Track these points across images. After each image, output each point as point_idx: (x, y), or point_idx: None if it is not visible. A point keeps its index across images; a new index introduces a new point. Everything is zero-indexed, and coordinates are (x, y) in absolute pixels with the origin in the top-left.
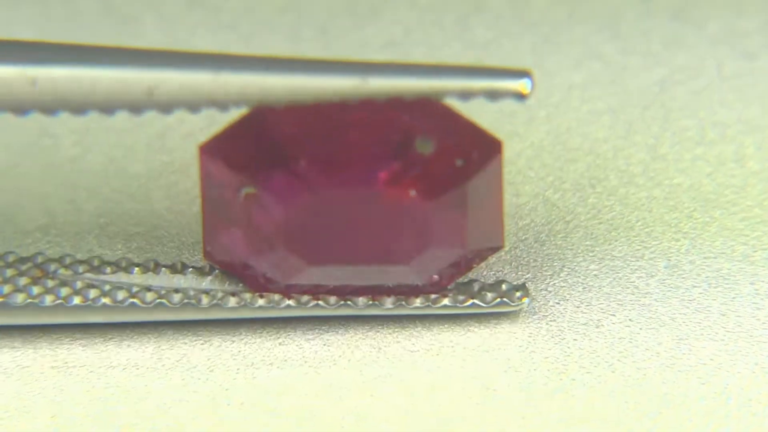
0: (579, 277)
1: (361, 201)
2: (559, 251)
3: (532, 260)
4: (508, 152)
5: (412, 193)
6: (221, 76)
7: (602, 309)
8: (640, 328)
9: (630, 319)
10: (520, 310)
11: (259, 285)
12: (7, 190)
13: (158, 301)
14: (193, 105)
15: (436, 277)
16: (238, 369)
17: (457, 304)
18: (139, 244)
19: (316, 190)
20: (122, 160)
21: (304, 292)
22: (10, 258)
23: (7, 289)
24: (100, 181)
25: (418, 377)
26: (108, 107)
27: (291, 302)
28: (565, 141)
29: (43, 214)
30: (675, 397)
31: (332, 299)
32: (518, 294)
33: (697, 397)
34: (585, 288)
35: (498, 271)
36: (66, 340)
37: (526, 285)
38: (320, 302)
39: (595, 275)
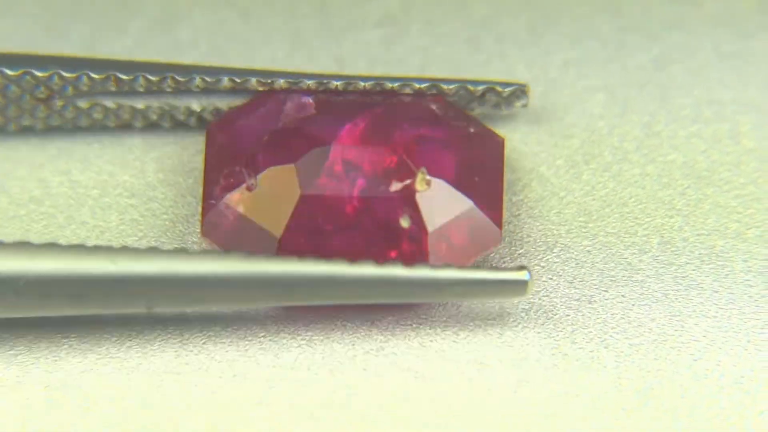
0: (572, 252)
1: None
2: (553, 227)
3: (525, 236)
4: (503, 128)
5: (404, 223)
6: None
7: (595, 285)
8: (633, 304)
9: (623, 295)
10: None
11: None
12: (2, 161)
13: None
14: None
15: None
16: (230, 341)
17: (459, 292)
18: (132, 216)
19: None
20: (118, 132)
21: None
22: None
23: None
24: (94, 153)
25: (410, 351)
26: None
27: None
28: (560, 117)
29: (36, 184)
30: (667, 373)
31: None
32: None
33: (689, 373)
34: (578, 264)
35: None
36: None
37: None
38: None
39: (588, 251)
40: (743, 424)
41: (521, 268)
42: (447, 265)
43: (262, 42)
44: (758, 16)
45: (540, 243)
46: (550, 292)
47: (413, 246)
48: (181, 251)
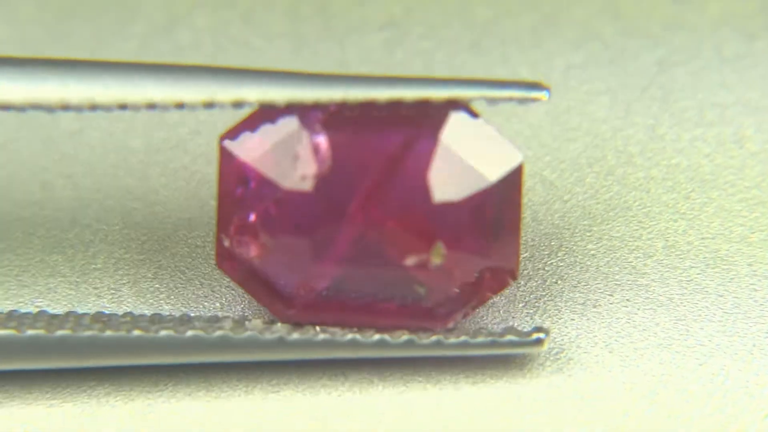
0: (576, 256)
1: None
2: (557, 231)
3: (529, 240)
4: (507, 132)
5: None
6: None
7: (599, 289)
8: (638, 309)
9: (627, 299)
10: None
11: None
12: (5, 164)
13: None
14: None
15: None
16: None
17: (470, 341)
18: (136, 219)
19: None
20: (121, 136)
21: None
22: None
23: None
24: (98, 156)
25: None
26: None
27: (325, 335)
28: (563, 121)
29: (40, 187)
30: (672, 378)
31: (346, 335)
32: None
33: (694, 378)
34: (582, 268)
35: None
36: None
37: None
38: (329, 335)
39: (592, 255)
40: (749, 428)
41: (539, 330)
42: (461, 338)
43: (265, 44)
44: (761, 18)
45: (544, 247)
46: (555, 297)
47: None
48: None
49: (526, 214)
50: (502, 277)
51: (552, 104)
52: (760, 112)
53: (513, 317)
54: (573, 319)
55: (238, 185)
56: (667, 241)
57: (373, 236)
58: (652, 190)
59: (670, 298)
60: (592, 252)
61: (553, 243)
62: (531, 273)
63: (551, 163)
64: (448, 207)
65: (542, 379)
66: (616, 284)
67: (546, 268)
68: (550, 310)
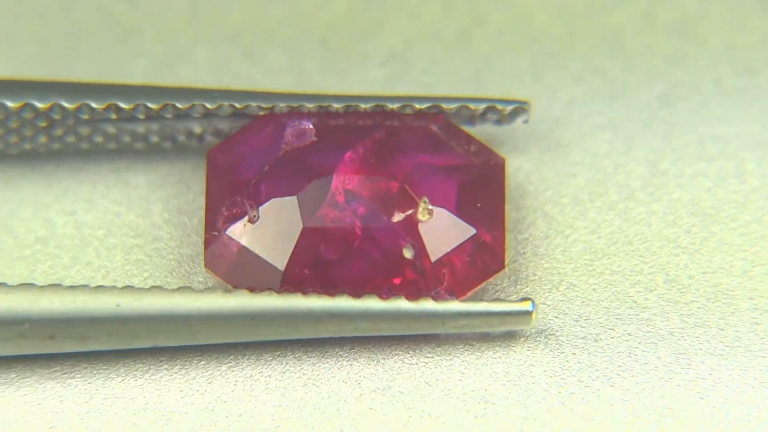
0: (578, 291)
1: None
2: (558, 265)
3: (531, 274)
4: (508, 167)
5: (409, 255)
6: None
7: (601, 323)
8: (639, 343)
9: (629, 334)
10: (529, 327)
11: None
12: (7, 201)
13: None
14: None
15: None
16: (236, 381)
17: (465, 324)
18: (138, 257)
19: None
20: (123, 171)
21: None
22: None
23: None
24: (100, 192)
25: (416, 390)
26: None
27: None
28: (565, 155)
29: (42, 225)
30: (674, 412)
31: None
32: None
33: (696, 412)
34: (584, 302)
35: (497, 285)
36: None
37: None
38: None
39: (594, 289)
40: None
41: (525, 299)
42: (451, 298)
43: (266, 80)
44: (761, 52)
45: (545, 281)
46: (556, 331)
47: (416, 275)
48: (185, 289)
49: (527, 249)
50: (488, 261)
51: (554, 139)
52: (761, 146)
53: (514, 351)
54: (575, 353)
55: (223, 183)
56: (668, 275)
57: (359, 194)
58: (654, 225)
59: (671, 332)
60: (594, 286)
61: (554, 277)
62: (531, 300)
63: (552, 197)
64: (432, 169)
65: (544, 412)
66: (617, 318)
67: (547, 303)
68: (551, 344)
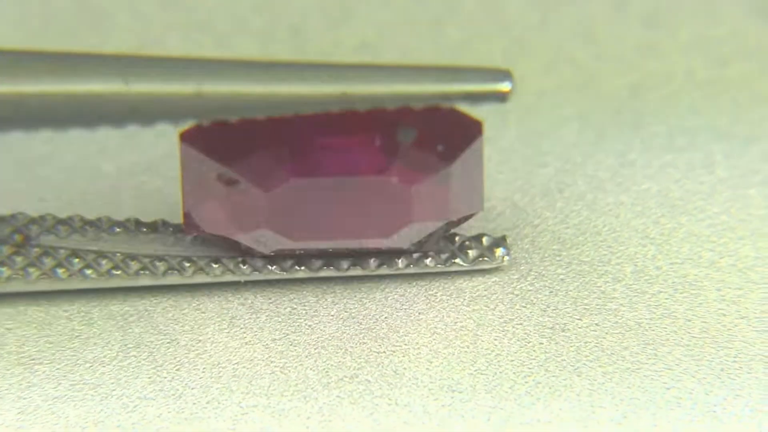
0: (546, 281)
1: (342, 187)
2: (526, 255)
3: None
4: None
5: (394, 180)
6: (204, 87)
7: (568, 313)
8: (606, 333)
9: (596, 324)
10: (501, 265)
11: (242, 251)
12: None
13: (141, 271)
14: (176, 117)
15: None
16: (204, 368)
17: (439, 264)
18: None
19: (298, 179)
20: (93, 159)
21: (288, 256)
22: None
23: None
24: (70, 180)
25: (383, 378)
26: (90, 120)
27: (274, 268)
28: (534, 145)
29: (12, 212)
30: (640, 402)
31: (317, 263)
32: (499, 250)
33: (662, 402)
34: (552, 292)
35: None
36: (32, 336)
37: (506, 239)
38: (303, 267)
39: (562, 279)
40: None
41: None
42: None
43: None
44: (732, 44)
45: (513, 271)
46: (524, 320)
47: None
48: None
49: None
50: (467, 199)
51: (523, 129)
52: (729, 138)
53: (482, 340)
54: (542, 343)
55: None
56: (636, 265)
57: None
58: (622, 216)
59: (638, 322)
60: (562, 276)
61: (522, 267)
62: (500, 297)
63: (522, 187)
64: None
65: (510, 402)
66: (585, 308)
67: (515, 293)
68: (518, 333)
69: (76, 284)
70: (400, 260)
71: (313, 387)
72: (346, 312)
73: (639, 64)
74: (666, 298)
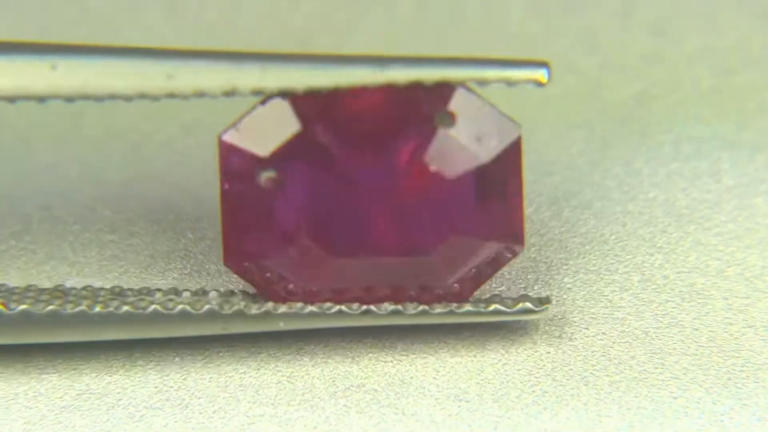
0: (553, 290)
1: (383, 180)
2: (533, 264)
3: (505, 273)
4: None
5: (433, 168)
6: (242, 64)
7: (575, 322)
8: (613, 342)
9: (603, 333)
10: (543, 316)
11: (279, 295)
12: None
13: (183, 307)
14: (212, 91)
15: (456, 286)
16: (210, 378)
17: (480, 310)
18: (113, 252)
19: (339, 169)
20: (97, 168)
21: (326, 300)
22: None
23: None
24: (74, 188)
25: (390, 387)
26: (127, 93)
27: (314, 308)
28: (540, 154)
29: (17, 220)
30: (647, 412)
31: (354, 306)
32: (540, 304)
33: (669, 411)
34: (558, 301)
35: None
36: (40, 346)
37: (549, 298)
38: (343, 308)
39: (569, 288)
40: None
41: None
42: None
43: None
44: (738, 53)
45: (520, 280)
46: (531, 330)
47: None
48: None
49: None
50: (509, 244)
51: (529, 137)
52: (736, 146)
53: (489, 350)
54: (549, 352)
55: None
56: (643, 274)
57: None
58: (629, 224)
59: (645, 331)
60: (569, 285)
61: (529, 276)
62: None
63: (528, 196)
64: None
65: (518, 411)
66: (591, 317)
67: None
68: (526, 343)
69: (113, 333)
70: (439, 307)
71: (319, 396)
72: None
73: (645, 73)
74: (673, 307)
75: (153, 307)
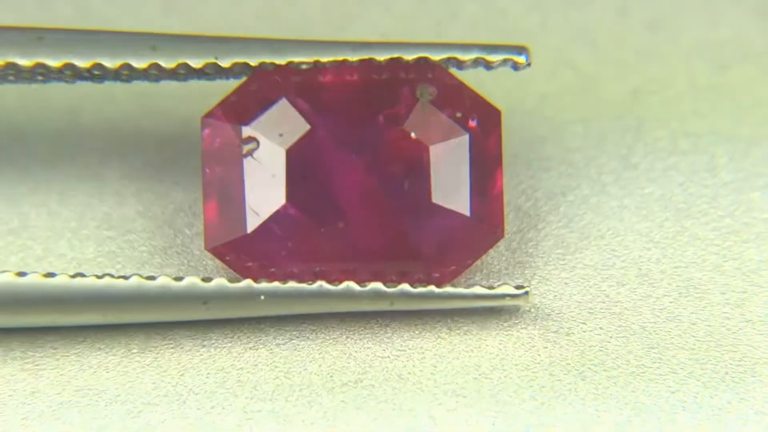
0: (550, 285)
1: (363, 148)
2: (531, 259)
3: (503, 268)
4: None
5: (413, 134)
6: (225, 41)
7: (573, 317)
8: (611, 337)
9: (600, 328)
10: (523, 302)
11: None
12: None
13: (163, 280)
14: (195, 64)
15: (437, 275)
16: (208, 374)
17: (460, 291)
18: (110, 248)
19: (319, 139)
20: (95, 165)
21: (308, 264)
22: None
23: None
24: (72, 185)
25: (388, 383)
26: (112, 64)
27: (294, 282)
28: (537, 150)
29: (15, 216)
30: (645, 406)
31: (335, 283)
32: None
33: (667, 406)
34: (556, 296)
35: (469, 278)
36: (38, 341)
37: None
38: (324, 284)
39: (566, 283)
40: None
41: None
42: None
43: None
44: (734, 48)
45: (518, 275)
46: (528, 325)
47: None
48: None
49: (500, 243)
50: (490, 229)
51: (526, 133)
52: (732, 141)
53: (486, 345)
54: (546, 347)
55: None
56: (640, 269)
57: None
58: (626, 219)
59: (642, 326)
60: (566, 280)
61: (527, 271)
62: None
63: (526, 191)
64: None
65: (514, 406)
66: (589, 312)
67: None
68: (523, 338)
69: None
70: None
71: (317, 392)
72: (350, 316)
73: (641, 68)
74: (670, 302)
75: (133, 278)
